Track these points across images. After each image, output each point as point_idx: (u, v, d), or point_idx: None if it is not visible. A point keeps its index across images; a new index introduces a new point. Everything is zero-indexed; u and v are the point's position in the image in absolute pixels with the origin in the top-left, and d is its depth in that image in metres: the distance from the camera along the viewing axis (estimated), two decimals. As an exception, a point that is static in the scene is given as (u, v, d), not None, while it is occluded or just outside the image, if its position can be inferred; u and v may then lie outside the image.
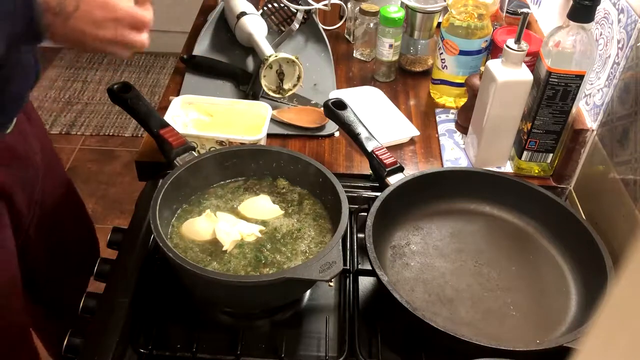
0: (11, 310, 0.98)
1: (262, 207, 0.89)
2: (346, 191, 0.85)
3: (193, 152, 0.94)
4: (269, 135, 1.12)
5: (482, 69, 1.03)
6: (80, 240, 1.24)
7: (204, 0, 1.57)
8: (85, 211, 1.26)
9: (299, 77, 1.17)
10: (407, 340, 0.80)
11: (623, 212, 0.88)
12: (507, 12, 1.24)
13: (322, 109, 1.06)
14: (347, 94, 1.22)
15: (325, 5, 1.36)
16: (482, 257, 0.90)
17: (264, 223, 0.86)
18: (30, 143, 0.98)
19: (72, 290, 1.02)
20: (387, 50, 1.26)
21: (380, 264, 0.79)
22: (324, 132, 1.14)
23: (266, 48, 1.19)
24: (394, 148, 1.12)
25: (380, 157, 0.95)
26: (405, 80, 1.32)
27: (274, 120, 1.13)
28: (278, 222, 0.87)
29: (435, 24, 1.29)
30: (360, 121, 1.01)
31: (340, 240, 0.78)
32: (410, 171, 0.97)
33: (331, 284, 0.87)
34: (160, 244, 0.75)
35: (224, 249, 0.81)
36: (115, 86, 1.02)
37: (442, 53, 1.19)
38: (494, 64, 0.98)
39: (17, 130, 0.92)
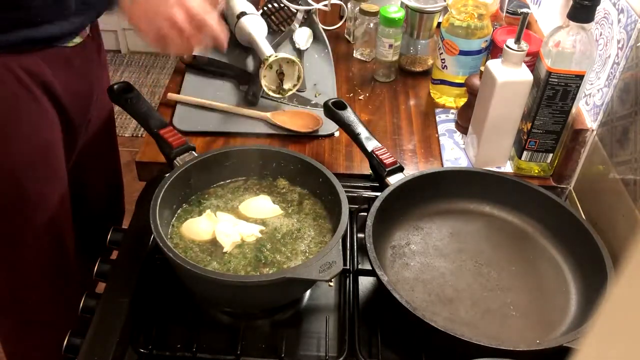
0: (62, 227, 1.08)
1: (262, 206, 0.89)
2: (346, 191, 0.85)
3: (193, 152, 0.94)
4: (269, 136, 1.12)
5: (482, 69, 1.03)
6: (108, 187, 1.30)
7: (204, 0, 1.57)
8: (118, 161, 1.32)
9: (299, 77, 1.17)
10: (407, 340, 0.80)
11: (623, 212, 0.88)
12: (507, 12, 1.24)
13: (320, 109, 1.06)
14: None
15: (325, 5, 1.36)
16: (482, 257, 0.90)
17: (263, 223, 0.86)
18: (91, 61, 1.07)
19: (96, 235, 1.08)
20: (387, 50, 1.26)
21: (380, 264, 0.79)
22: (324, 132, 1.14)
23: (266, 48, 1.19)
24: (393, 148, 1.12)
25: (380, 157, 0.95)
26: (405, 80, 1.32)
27: (268, 123, 1.13)
28: (278, 222, 0.87)
29: (435, 24, 1.29)
30: (360, 121, 1.01)
31: (340, 240, 0.78)
32: (410, 171, 0.97)
33: (331, 283, 0.87)
34: (160, 244, 0.75)
35: (224, 250, 0.81)
36: (116, 86, 1.02)
37: (442, 53, 1.19)
38: (494, 64, 0.98)
39: (81, 45, 1.01)
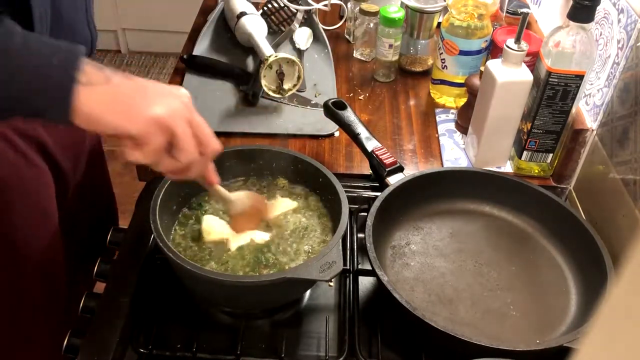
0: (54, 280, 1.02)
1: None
2: (346, 191, 0.85)
3: (193, 152, 0.94)
4: (269, 136, 1.12)
5: (482, 69, 1.03)
6: (100, 214, 1.28)
7: (204, 0, 1.57)
8: (111, 190, 1.31)
9: (299, 77, 1.17)
10: (407, 340, 0.80)
11: (623, 212, 0.88)
12: (507, 12, 1.24)
13: (320, 109, 1.06)
14: None
15: (325, 5, 1.36)
16: (482, 257, 0.90)
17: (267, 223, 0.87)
18: None
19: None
20: (387, 50, 1.26)
21: (380, 264, 0.79)
22: (324, 132, 1.14)
23: (266, 48, 1.19)
24: (393, 148, 1.12)
25: (380, 157, 0.95)
26: (405, 80, 1.32)
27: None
28: (279, 221, 0.87)
29: (435, 24, 1.29)
30: (360, 121, 1.01)
31: (340, 240, 0.78)
32: (410, 171, 0.97)
33: (331, 283, 0.87)
34: (160, 244, 0.75)
35: (226, 248, 0.81)
36: (115, 86, 1.02)
37: (442, 53, 1.19)
38: (494, 64, 0.98)
39: None
